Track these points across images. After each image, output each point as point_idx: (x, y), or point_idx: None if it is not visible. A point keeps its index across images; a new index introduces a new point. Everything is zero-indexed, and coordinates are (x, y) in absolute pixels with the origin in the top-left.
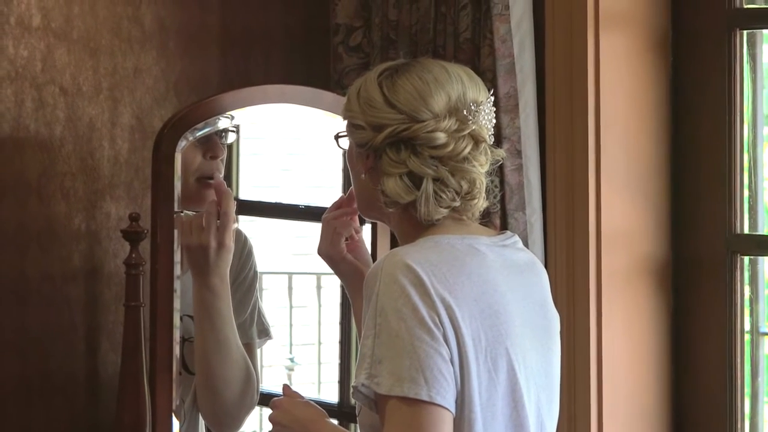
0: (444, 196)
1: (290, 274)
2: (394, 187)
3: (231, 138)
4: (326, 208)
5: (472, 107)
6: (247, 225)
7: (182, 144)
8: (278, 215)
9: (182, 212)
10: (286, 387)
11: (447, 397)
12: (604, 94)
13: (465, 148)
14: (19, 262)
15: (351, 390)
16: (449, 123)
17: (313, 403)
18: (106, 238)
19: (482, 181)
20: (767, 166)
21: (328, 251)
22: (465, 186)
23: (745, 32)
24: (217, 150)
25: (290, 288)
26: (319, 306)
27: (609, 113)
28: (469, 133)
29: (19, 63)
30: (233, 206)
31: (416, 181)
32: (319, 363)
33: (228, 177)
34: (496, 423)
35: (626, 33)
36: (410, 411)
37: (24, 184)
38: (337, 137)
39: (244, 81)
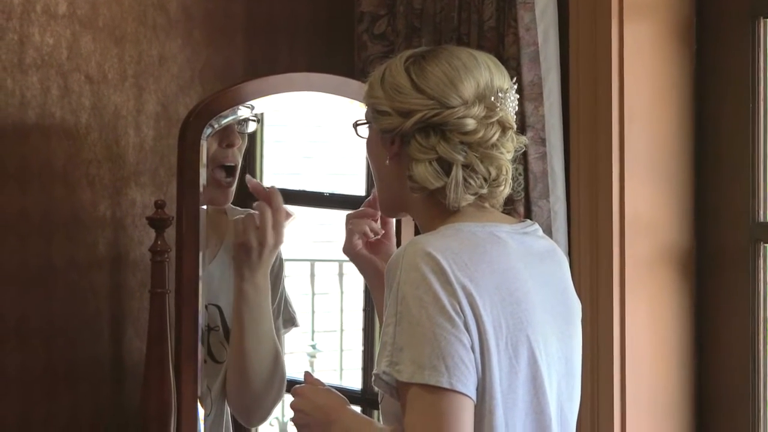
0: (472, 182)
1: (312, 261)
2: (423, 173)
3: (251, 127)
4: (349, 195)
5: (500, 94)
6: None
7: (208, 132)
8: (300, 202)
9: (206, 207)
10: (307, 374)
11: (468, 385)
12: (628, 82)
13: (494, 134)
14: (45, 249)
15: (372, 378)
16: (478, 110)
17: (334, 390)
18: (131, 225)
19: (509, 168)
20: None
21: (345, 247)
22: (493, 172)
23: None
24: (234, 138)
25: (312, 275)
26: (341, 293)
27: (633, 101)
28: (497, 120)
29: (44, 51)
30: (282, 203)
31: (445, 167)
32: (341, 350)
33: (251, 164)
34: (516, 410)
35: (650, 21)
36: (431, 398)
37: (49, 172)
38: (356, 125)
39: (269, 69)
